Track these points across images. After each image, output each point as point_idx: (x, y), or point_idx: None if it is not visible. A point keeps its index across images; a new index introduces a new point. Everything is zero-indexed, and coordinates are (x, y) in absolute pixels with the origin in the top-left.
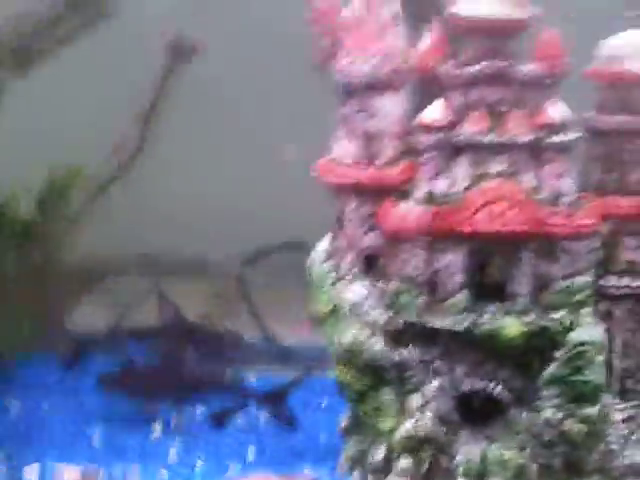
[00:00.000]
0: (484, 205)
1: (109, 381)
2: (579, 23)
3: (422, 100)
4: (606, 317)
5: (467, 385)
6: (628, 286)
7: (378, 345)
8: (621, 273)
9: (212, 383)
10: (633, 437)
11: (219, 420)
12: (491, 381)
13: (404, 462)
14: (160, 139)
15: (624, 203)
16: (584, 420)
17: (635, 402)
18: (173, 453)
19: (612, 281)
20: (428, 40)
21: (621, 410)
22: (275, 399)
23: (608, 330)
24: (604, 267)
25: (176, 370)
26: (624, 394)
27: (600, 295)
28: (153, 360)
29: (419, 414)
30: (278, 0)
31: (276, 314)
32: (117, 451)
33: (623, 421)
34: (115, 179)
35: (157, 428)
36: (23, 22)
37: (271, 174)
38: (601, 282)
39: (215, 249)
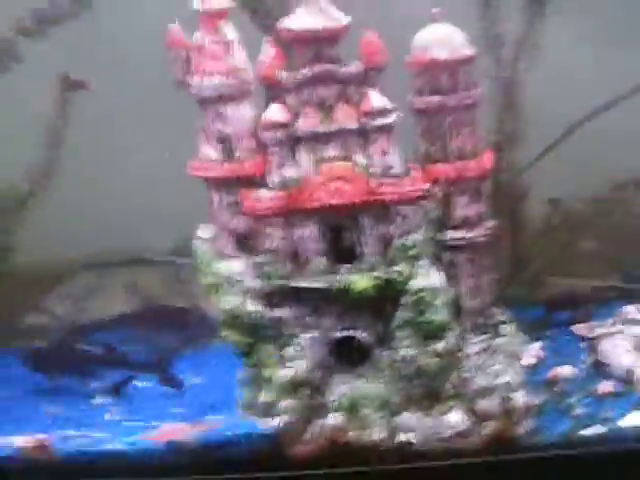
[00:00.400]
0: (323, 184)
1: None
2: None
3: (268, 103)
4: (450, 266)
5: (336, 333)
6: (464, 237)
7: (254, 307)
8: (457, 227)
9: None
10: (484, 365)
11: (116, 391)
12: (355, 328)
13: (286, 403)
14: (69, 158)
15: (449, 168)
16: (434, 354)
17: (486, 335)
18: (108, 417)
19: (449, 235)
20: (267, 53)
21: (474, 343)
22: (159, 367)
23: (455, 276)
24: (443, 224)
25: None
26: (476, 330)
27: (443, 247)
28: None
29: (295, 362)
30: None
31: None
32: (60, 421)
33: (477, 353)
34: (33, 195)
35: (97, 399)
36: None
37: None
38: (442, 236)
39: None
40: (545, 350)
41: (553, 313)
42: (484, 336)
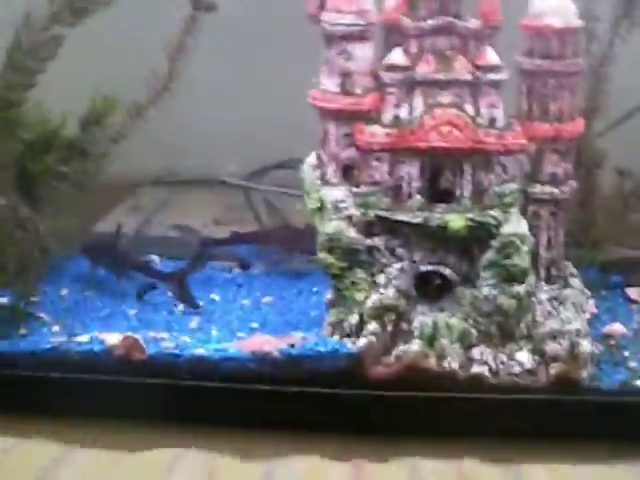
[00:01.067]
0: (435, 127)
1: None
2: None
3: (387, 46)
4: (534, 217)
5: (423, 267)
6: (550, 193)
7: (353, 234)
8: (544, 183)
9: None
10: (554, 312)
11: (139, 295)
12: (442, 264)
13: (372, 326)
14: (187, 74)
15: (546, 128)
16: (514, 296)
17: (557, 285)
18: (194, 325)
19: (538, 188)
20: None
21: (546, 291)
22: (176, 280)
23: (536, 227)
24: (532, 178)
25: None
26: (548, 279)
27: (530, 200)
28: None
29: (384, 289)
30: None
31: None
32: (148, 323)
33: (548, 300)
34: (148, 107)
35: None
36: None
37: (276, 102)
38: (529, 189)
39: (226, 166)
40: (598, 308)
41: (607, 275)
42: (554, 285)
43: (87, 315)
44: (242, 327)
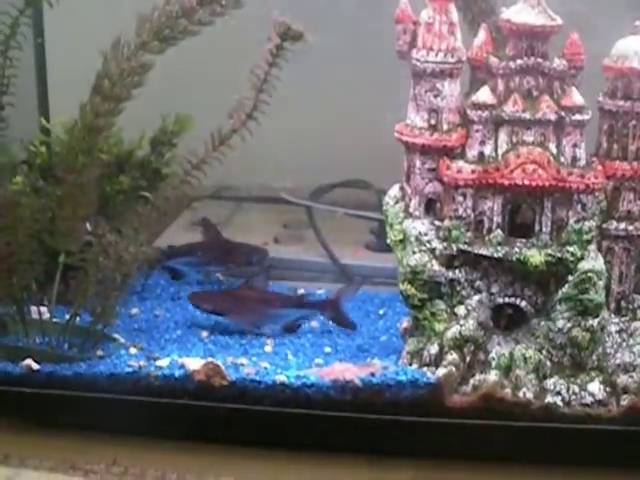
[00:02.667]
0: (519, 165)
1: (197, 299)
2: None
3: (473, 83)
4: (607, 252)
5: (500, 299)
6: (625, 229)
7: (435, 266)
8: (620, 219)
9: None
10: (624, 344)
11: (291, 329)
12: (518, 297)
13: (452, 356)
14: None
15: (625, 167)
16: (587, 329)
17: (626, 318)
18: (269, 350)
19: (613, 225)
20: (480, 38)
21: (616, 323)
22: (332, 306)
23: (609, 262)
24: (608, 214)
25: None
26: (619, 312)
27: (604, 236)
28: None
29: (464, 320)
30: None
31: (336, 240)
32: (224, 347)
33: (617, 332)
34: (231, 135)
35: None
36: (167, 10)
37: (360, 129)
38: (605, 225)
39: (296, 183)
40: None
41: None
42: (624, 318)
43: (161, 336)
44: (316, 352)
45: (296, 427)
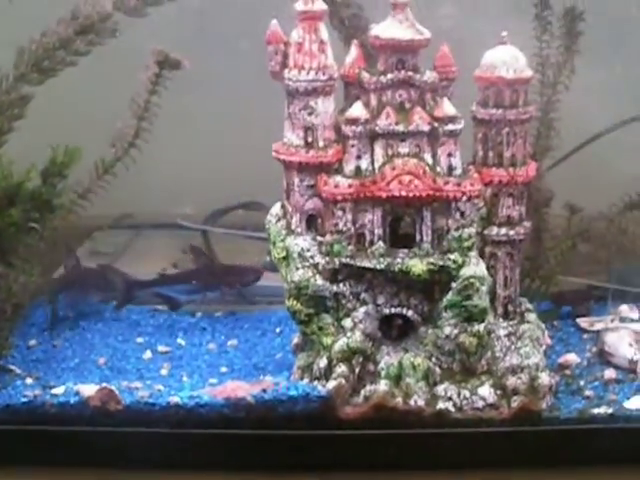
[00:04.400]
0: (395, 177)
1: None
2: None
3: (347, 99)
4: (491, 258)
5: (387, 310)
6: (506, 234)
7: (319, 281)
8: (501, 225)
9: None
10: (512, 347)
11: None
12: (404, 306)
13: (341, 369)
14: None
15: (501, 173)
16: (474, 335)
17: (514, 321)
18: (164, 373)
19: (494, 231)
20: (352, 55)
21: (504, 327)
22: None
23: (493, 268)
24: (488, 220)
25: None
26: (506, 315)
27: (487, 242)
28: None
29: (350, 332)
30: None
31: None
32: (120, 372)
33: (506, 336)
34: (115, 164)
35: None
36: (44, 42)
37: (239, 152)
38: (486, 232)
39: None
40: (552, 339)
41: (559, 307)
42: (512, 321)
43: (59, 366)
44: (212, 372)
45: (192, 447)
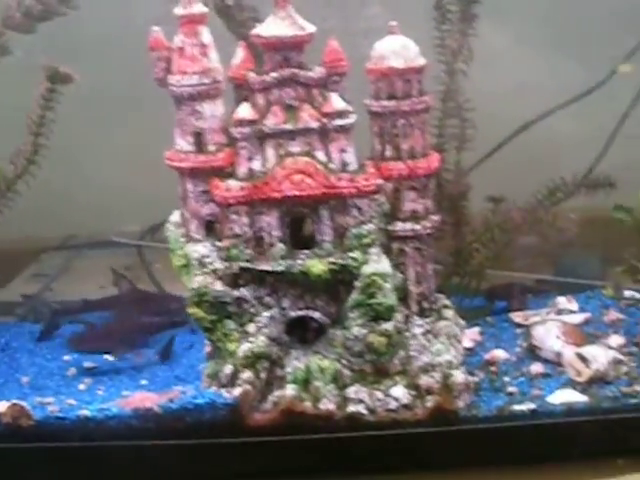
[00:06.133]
0: (286, 177)
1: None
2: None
3: (237, 102)
4: (399, 254)
5: (293, 313)
6: (412, 229)
7: (219, 287)
8: (405, 220)
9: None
10: (428, 345)
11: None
12: (311, 309)
13: (246, 374)
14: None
15: (400, 166)
16: (383, 334)
17: (431, 318)
18: (83, 388)
19: (399, 226)
20: (239, 56)
21: (419, 325)
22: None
23: (403, 264)
24: (392, 216)
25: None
26: (422, 313)
27: (393, 238)
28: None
29: (254, 337)
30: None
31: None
32: (39, 389)
33: (422, 334)
34: (16, 181)
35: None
36: None
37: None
38: (391, 227)
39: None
40: (484, 335)
41: (493, 302)
42: (428, 319)
43: None
44: (131, 385)
45: (102, 459)
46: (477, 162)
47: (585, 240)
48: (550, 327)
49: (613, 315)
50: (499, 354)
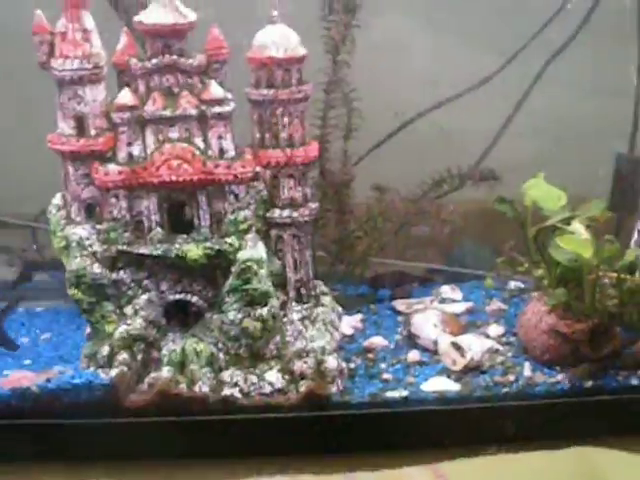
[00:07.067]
0: (164, 162)
1: None
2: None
3: (120, 87)
4: (277, 241)
5: (171, 296)
6: (290, 216)
7: (96, 269)
8: (283, 207)
9: None
10: (304, 331)
11: None
12: (188, 292)
13: (122, 356)
14: None
15: (278, 154)
16: (258, 319)
17: (309, 304)
18: None
19: (277, 213)
20: (122, 42)
21: (297, 311)
22: None
23: (281, 251)
24: (271, 203)
25: None
26: (300, 299)
27: (271, 224)
28: None
29: (131, 319)
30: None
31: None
32: None
33: (300, 320)
34: None
35: None
36: None
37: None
38: (269, 214)
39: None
40: (365, 322)
41: (376, 290)
42: (306, 305)
43: None
44: (14, 365)
45: None
46: (367, 152)
47: (477, 232)
48: (429, 315)
49: (495, 305)
50: (377, 341)
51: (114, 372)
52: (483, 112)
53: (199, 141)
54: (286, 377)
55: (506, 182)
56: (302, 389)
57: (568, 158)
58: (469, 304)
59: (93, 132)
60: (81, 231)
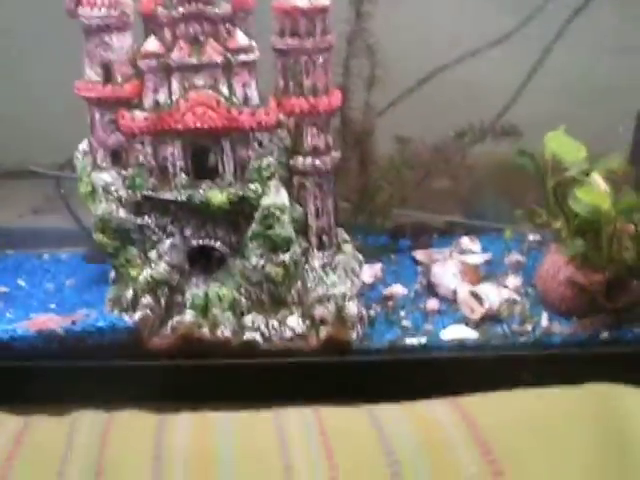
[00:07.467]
0: (189, 108)
1: None
2: None
3: (146, 35)
4: (300, 189)
5: (194, 242)
6: (313, 164)
7: (122, 214)
8: (306, 155)
9: None
10: (325, 277)
11: None
12: (211, 238)
13: (146, 299)
14: None
15: (302, 102)
16: (280, 264)
17: (330, 252)
18: None
19: (300, 161)
20: None
21: (319, 258)
22: None
23: (304, 198)
24: (294, 150)
25: None
26: (321, 246)
27: (294, 172)
28: None
29: (155, 264)
30: None
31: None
32: None
33: (321, 267)
34: None
35: None
36: None
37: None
38: (292, 162)
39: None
40: (385, 272)
41: (397, 240)
42: (327, 252)
43: None
44: (40, 309)
45: (9, 379)
46: (389, 104)
47: (497, 186)
48: (448, 266)
49: (514, 257)
50: (397, 289)
51: (138, 315)
52: (507, 68)
53: (224, 89)
54: (307, 322)
55: (527, 138)
56: (322, 334)
57: (589, 115)
58: (488, 255)
59: (119, 79)
60: (107, 177)
